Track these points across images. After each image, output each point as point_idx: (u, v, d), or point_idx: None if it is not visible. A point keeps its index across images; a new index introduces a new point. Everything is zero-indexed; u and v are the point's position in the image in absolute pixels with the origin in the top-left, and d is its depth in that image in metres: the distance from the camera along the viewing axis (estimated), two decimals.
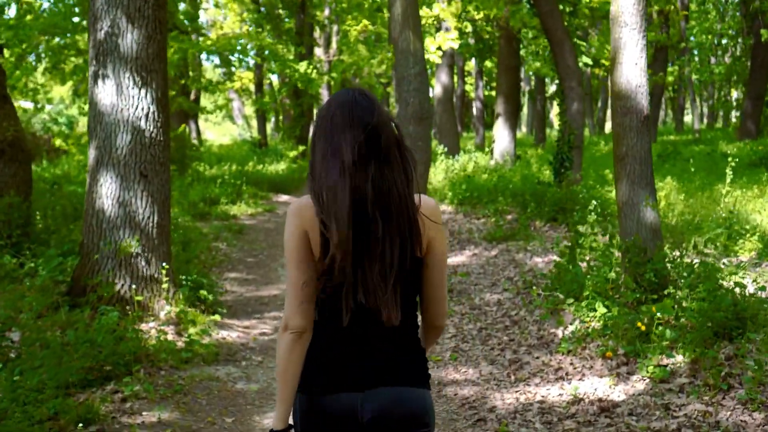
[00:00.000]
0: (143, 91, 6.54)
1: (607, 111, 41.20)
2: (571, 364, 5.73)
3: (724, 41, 39.60)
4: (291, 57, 20.51)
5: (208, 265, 9.44)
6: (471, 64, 39.88)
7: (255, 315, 7.50)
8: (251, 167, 21.29)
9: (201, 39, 19.74)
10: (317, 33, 32.96)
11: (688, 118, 48.23)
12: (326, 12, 31.02)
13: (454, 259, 9.90)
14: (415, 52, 8.17)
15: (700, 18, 36.47)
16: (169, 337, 6.24)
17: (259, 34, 20.86)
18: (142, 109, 6.54)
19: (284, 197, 17.60)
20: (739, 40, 36.02)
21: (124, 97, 6.48)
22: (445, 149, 20.66)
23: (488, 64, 33.29)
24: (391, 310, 2.18)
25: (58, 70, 18.16)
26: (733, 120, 41.13)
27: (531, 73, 21.34)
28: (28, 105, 23.08)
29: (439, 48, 18.48)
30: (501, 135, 18.87)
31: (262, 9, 22.98)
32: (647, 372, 5.31)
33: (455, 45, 17.98)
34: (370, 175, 2.15)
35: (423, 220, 2.21)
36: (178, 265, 7.67)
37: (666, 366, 5.31)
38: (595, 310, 6.36)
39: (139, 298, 6.33)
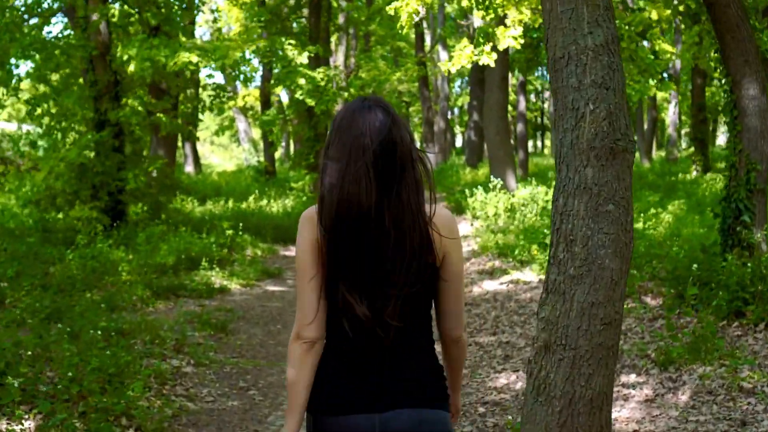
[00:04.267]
0: None
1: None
2: None
3: None
4: (303, 62, 15.98)
5: None
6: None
7: None
8: (252, 204, 16.74)
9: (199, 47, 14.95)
10: (333, 43, 28.71)
11: None
12: (341, 19, 26.82)
13: (614, 414, 5.26)
14: (592, 4, 3.61)
15: None
16: None
17: (266, 37, 16.37)
18: None
19: (294, 251, 12.99)
20: None
21: None
22: (500, 182, 16.11)
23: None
24: (391, 328, 2.13)
25: None
26: None
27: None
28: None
29: (494, 48, 14.00)
30: None
31: (264, 4, 18.45)
32: None
33: (515, 44, 13.51)
34: (383, 185, 2.11)
35: (437, 231, 2.16)
36: None
37: None
38: None
39: None
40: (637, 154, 37.22)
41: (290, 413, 2.18)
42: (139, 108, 12.91)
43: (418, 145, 2.23)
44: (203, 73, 22.53)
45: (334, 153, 2.15)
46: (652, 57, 13.82)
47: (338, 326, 2.18)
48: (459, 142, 64.61)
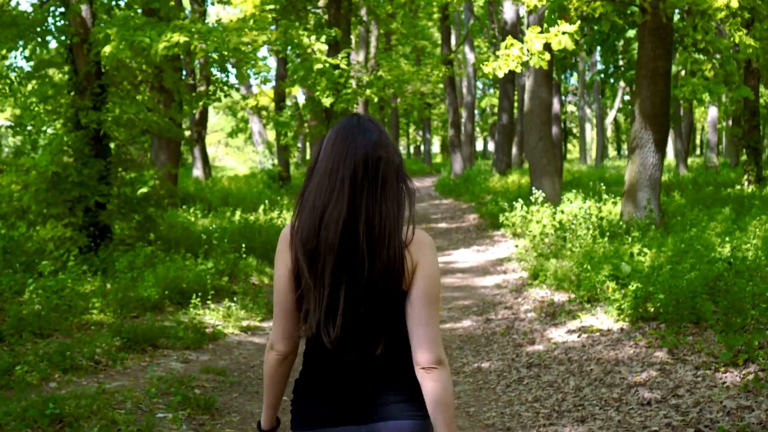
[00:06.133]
0: None
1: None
2: None
3: None
4: (321, 49, 14.06)
5: None
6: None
7: None
8: (261, 216, 14.79)
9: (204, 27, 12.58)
10: (353, 41, 26.84)
11: None
12: (363, 12, 24.93)
13: None
14: None
15: None
16: None
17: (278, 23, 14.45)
18: None
19: None
20: None
21: None
22: (542, 194, 14.07)
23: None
24: (374, 341, 2.15)
25: None
26: None
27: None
28: None
29: (548, 47, 11.98)
30: (639, 176, 12.18)
31: None
32: None
33: (570, 43, 11.48)
34: (363, 203, 2.12)
35: (411, 253, 2.15)
36: None
37: None
38: None
39: None
40: (673, 161, 35.01)
41: (267, 406, 2.35)
42: (130, 108, 10.95)
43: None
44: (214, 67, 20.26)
45: (318, 166, 2.18)
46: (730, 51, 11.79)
47: (317, 343, 2.18)
48: (479, 146, 62.55)
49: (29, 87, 11.10)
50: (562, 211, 13.15)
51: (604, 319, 7.61)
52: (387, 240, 2.11)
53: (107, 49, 8.89)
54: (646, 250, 9.54)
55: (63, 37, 10.29)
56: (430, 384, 2.11)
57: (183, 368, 6.31)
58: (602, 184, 15.46)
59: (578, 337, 7.26)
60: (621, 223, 11.56)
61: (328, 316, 2.13)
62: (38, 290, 7.90)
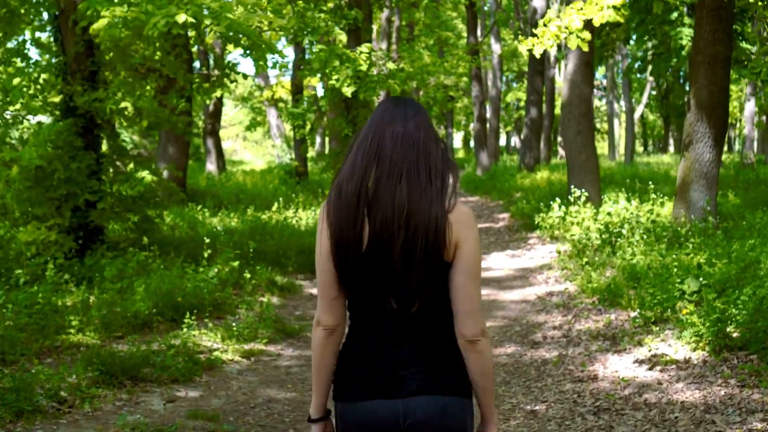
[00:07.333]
0: None
1: None
2: None
3: None
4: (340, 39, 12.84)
5: None
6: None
7: None
8: (274, 216, 13.58)
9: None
10: (374, 31, 25.62)
11: None
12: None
13: None
14: None
15: None
16: None
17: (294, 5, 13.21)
18: None
19: None
20: None
21: None
22: (585, 193, 12.78)
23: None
24: (412, 303, 2.11)
25: None
26: None
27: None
28: None
29: (589, 24, 10.80)
30: (694, 174, 10.79)
31: None
32: None
33: (615, 16, 10.33)
34: (402, 173, 2.10)
35: (451, 224, 2.11)
36: None
37: None
38: None
39: None
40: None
41: (316, 392, 2.25)
42: (129, 97, 9.76)
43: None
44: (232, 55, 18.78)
45: (361, 135, 2.18)
46: None
47: (359, 314, 2.17)
48: (502, 141, 61.01)
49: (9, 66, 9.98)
50: (608, 213, 11.82)
51: (678, 347, 6.32)
52: (429, 203, 2.07)
53: (96, 27, 7.66)
54: (715, 260, 8.22)
55: (46, 12, 9.14)
56: (475, 355, 2.13)
57: (165, 411, 5.09)
58: (650, 183, 14.07)
59: (650, 369, 5.97)
60: (680, 228, 10.19)
61: (372, 290, 2.12)
62: (8, 304, 6.73)
